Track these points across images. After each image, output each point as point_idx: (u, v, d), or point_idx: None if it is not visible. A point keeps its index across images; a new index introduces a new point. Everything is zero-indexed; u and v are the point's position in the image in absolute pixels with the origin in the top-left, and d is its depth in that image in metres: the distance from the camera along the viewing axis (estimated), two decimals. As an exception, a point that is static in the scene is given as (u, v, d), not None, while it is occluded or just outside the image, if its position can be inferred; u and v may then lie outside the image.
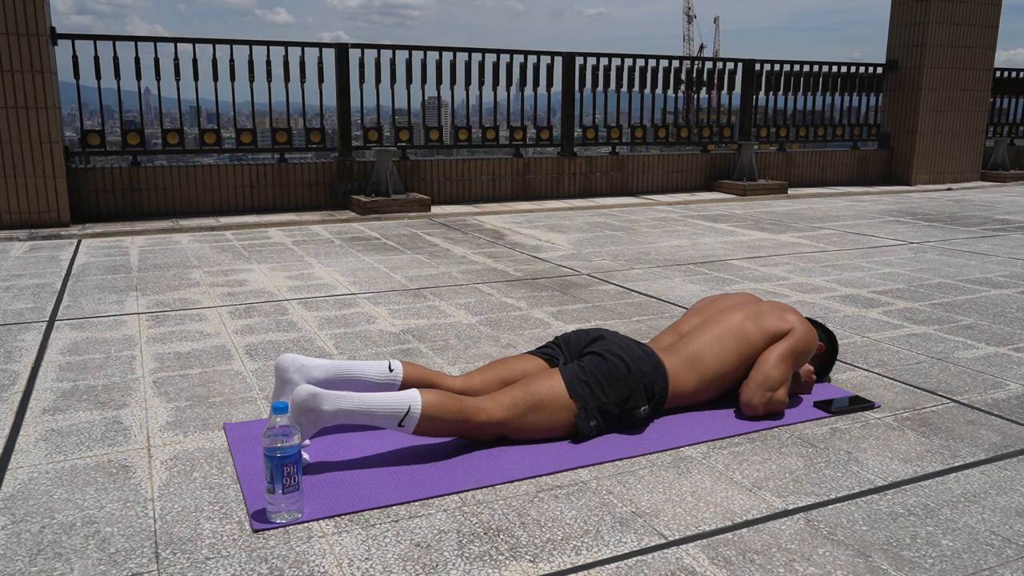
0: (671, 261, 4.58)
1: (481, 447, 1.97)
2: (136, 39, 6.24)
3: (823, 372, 2.50)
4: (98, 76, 6.17)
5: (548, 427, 2.00)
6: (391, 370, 2.09)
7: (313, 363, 2.06)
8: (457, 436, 1.96)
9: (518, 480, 1.81)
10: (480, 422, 1.93)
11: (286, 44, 6.74)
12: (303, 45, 6.79)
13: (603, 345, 2.12)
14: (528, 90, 7.67)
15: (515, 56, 7.52)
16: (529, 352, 2.29)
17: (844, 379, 2.53)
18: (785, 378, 2.17)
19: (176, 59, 6.31)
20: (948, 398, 2.36)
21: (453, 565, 1.48)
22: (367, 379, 2.07)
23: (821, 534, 1.59)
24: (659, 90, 8.20)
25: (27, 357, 2.75)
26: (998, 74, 9.87)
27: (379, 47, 6.97)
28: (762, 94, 8.74)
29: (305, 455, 1.84)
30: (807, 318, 2.36)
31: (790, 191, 8.32)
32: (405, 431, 1.87)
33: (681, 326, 2.36)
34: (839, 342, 2.92)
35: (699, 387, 2.19)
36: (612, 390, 2.04)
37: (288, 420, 1.63)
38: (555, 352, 2.22)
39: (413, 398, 1.86)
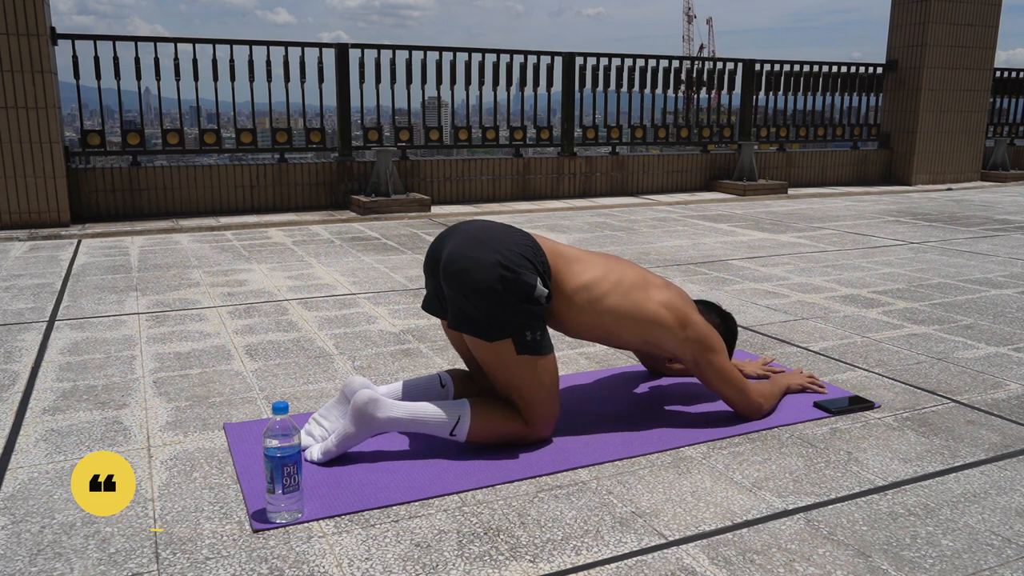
0: (671, 261, 4.58)
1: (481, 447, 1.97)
2: (136, 39, 6.24)
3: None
4: (98, 76, 6.17)
5: (551, 382, 1.98)
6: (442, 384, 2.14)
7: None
8: (509, 443, 1.98)
9: (518, 480, 1.81)
10: (529, 433, 1.97)
11: (286, 44, 6.74)
12: (303, 45, 6.79)
13: (447, 267, 1.93)
14: (528, 90, 7.67)
15: (515, 56, 7.52)
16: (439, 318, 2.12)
17: (844, 379, 2.53)
18: (737, 374, 2.12)
19: (176, 59, 6.31)
20: (948, 398, 2.36)
21: (453, 565, 1.48)
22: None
23: (821, 534, 1.59)
24: (659, 90, 8.20)
25: (27, 357, 2.75)
26: (998, 74, 9.87)
27: (379, 47, 6.97)
28: (762, 94, 8.75)
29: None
30: (700, 300, 2.31)
31: (790, 191, 8.32)
32: (457, 440, 1.92)
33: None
34: (840, 342, 2.92)
35: (586, 295, 2.01)
36: (494, 297, 1.86)
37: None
38: (437, 304, 2.07)
39: (463, 408, 1.92)
